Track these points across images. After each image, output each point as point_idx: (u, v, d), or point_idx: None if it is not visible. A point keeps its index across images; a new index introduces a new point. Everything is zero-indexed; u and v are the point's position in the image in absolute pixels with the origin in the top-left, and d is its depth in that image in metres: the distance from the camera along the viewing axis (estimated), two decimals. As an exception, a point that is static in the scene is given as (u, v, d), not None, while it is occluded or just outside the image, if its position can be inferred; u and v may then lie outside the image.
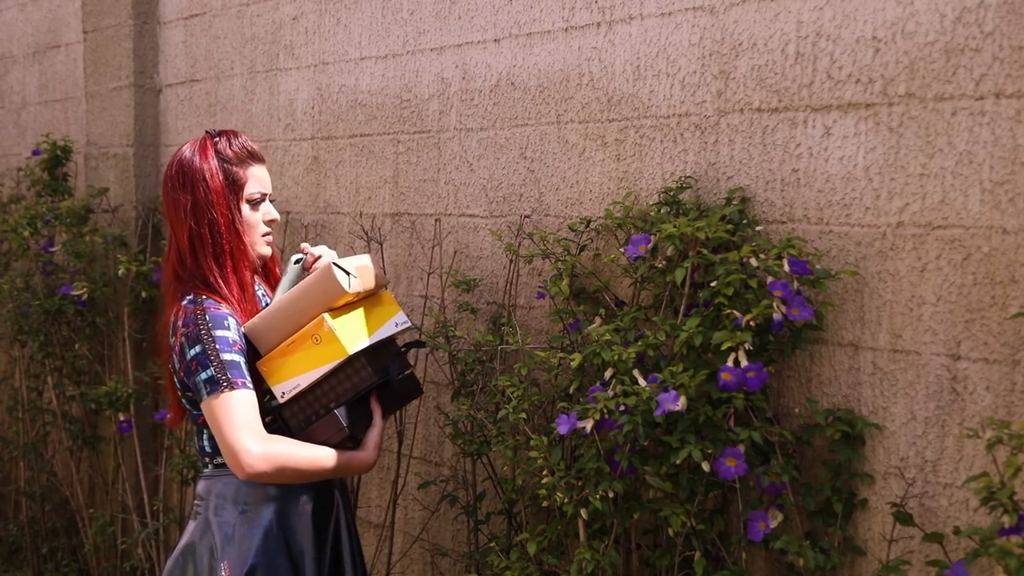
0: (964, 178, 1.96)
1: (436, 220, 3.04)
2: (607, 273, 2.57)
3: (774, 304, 2.09)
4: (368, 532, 3.30)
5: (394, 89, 3.16)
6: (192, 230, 2.17)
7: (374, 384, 2.20)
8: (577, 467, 2.33)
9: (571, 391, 2.42)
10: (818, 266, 2.15)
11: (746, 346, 2.12)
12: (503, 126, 2.84)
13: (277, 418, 2.19)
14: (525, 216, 2.78)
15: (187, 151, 2.21)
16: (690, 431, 2.17)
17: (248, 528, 2.16)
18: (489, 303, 2.89)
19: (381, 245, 3.14)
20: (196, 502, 2.23)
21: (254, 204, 2.22)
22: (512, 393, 2.45)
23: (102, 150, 4.36)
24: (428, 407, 3.11)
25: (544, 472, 2.37)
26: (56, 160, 4.51)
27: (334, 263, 2.16)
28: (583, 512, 2.28)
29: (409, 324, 2.38)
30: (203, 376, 2.06)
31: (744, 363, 2.11)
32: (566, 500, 2.30)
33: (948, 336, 2.00)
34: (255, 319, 2.17)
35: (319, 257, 2.30)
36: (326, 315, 2.13)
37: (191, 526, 2.22)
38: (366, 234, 3.16)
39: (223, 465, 2.17)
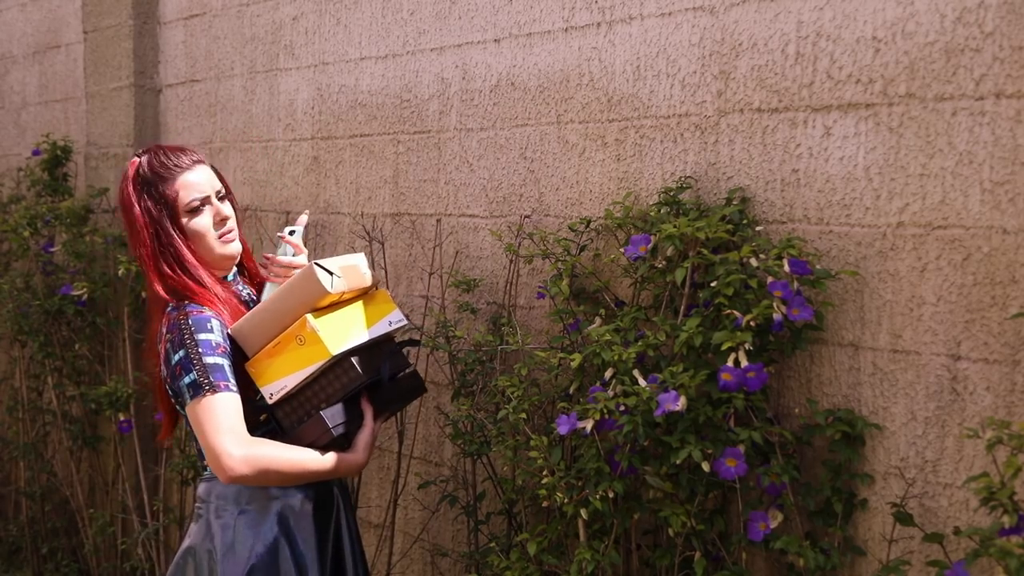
0: (964, 178, 1.96)
1: (436, 220, 3.04)
2: (607, 273, 2.57)
3: (774, 304, 2.09)
4: (368, 532, 3.30)
5: (394, 89, 3.16)
6: (144, 250, 2.20)
7: (362, 384, 2.19)
8: (577, 467, 2.33)
9: (571, 391, 2.42)
10: (818, 266, 2.15)
11: (746, 346, 2.12)
12: (503, 126, 2.84)
13: (271, 419, 2.19)
14: (525, 216, 2.78)
15: (121, 179, 2.26)
16: (690, 431, 2.17)
17: (249, 530, 2.16)
18: (489, 303, 2.89)
19: (382, 245, 3.14)
20: (197, 505, 2.23)
21: (195, 211, 2.19)
22: (512, 393, 2.45)
23: (102, 150, 4.36)
24: (428, 407, 3.11)
25: (544, 472, 2.37)
26: (56, 160, 4.51)
27: (316, 263, 2.14)
28: (583, 512, 2.28)
29: (405, 323, 2.36)
30: (186, 380, 2.06)
31: (744, 363, 2.11)
32: (566, 500, 2.30)
33: (948, 336, 2.00)
34: (240, 321, 2.16)
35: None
36: (309, 316, 2.12)
37: (192, 529, 2.22)
38: (367, 234, 3.16)
39: None
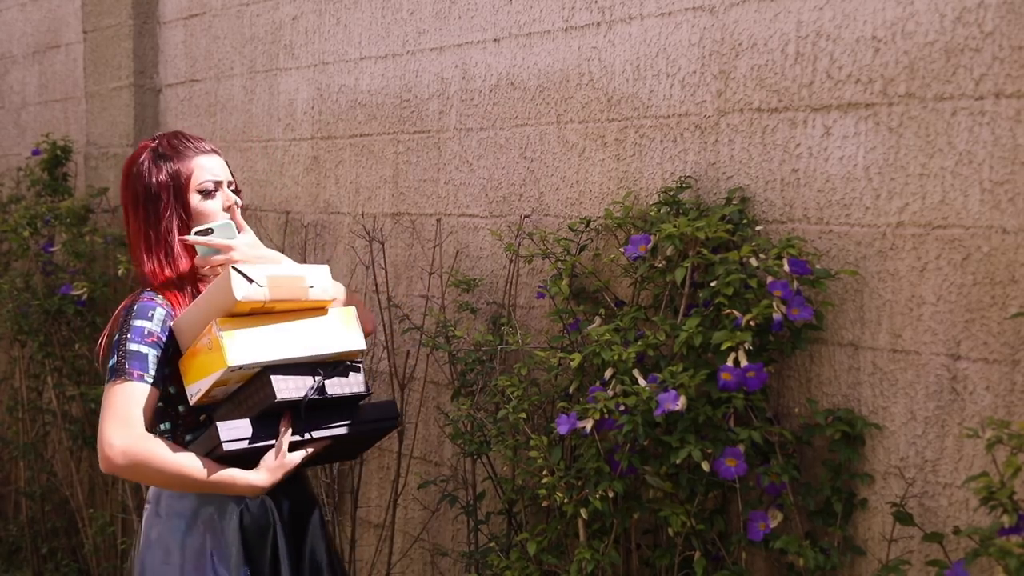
0: (964, 178, 1.96)
1: (436, 220, 3.04)
2: (607, 273, 2.57)
3: (774, 304, 2.09)
4: (368, 532, 3.30)
5: (394, 89, 3.16)
6: (136, 228, 2.18)
7: (275, 404, 2.03)
8: (577, 467, 2.33)
9: (571, 391, 2.42)
10: (818, 266, 2.15)
11: (746, 346, 2.12)
12: (503, 126, 2.84)
13: (209, 420, 2.13)
14: (525, 216, 2.78)
15: (130, 154, 2.23)
16: (690, 431, 2.17)
17: (175, 533, 2.14)
18: (489, 303, 2.90)
19: (382, 245, 3.14)
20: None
21: (207, 194, 2.18)
22: (512, 393, 2.45)
23: (102, 150, 4.36)
24: (428, 407, 3.11)
25: (544, 472, 2.37)
26: (56, 160, 4.51)
27: (235, 268, 2.03)
28: (583, 512, 2.28)
29: (354, 348, 2.14)
30: (110, 363, 2.06)
31: (744, 363, 2.11)
32: (566, 500, 2.30)
33: (948, 336, 2.00)
34: (178, 315, 2.11)
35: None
36: (215, 321, 2.02)
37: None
38: (367, 234, 3.16)
39: None
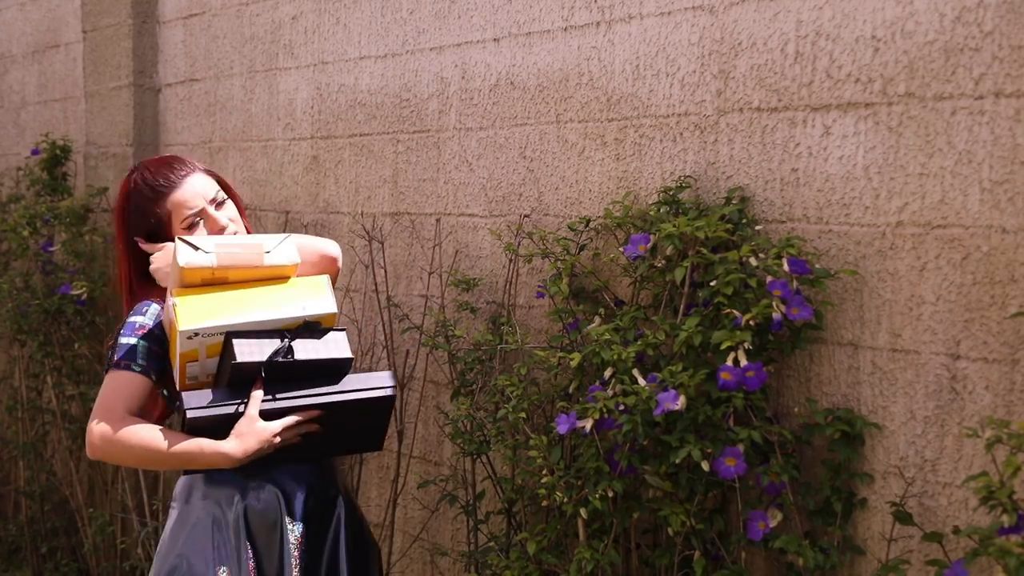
0: (963, 177, 1.96)
1: (436, 220, 3.04)
2: (607, 273, 2.57)
3: (773, 303, 2.09)
4: (368, 532, 3.30)
5: (393, 89, 3.16)
6: (129, 266, 2.25)
7: (235, 369, 2.02)
8: (577, 466, 2.33)
9: (571, 390, 2.42)
10: (817, 265, 2.15)
11: (745, 345, 2.12)
12: (502, 126, 2.84)
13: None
14: (525, 216, 2.78)
15: (119, 193, 2.27)
16: (690, 430, 2.17)
17: (179, 525, 2.16)
18: (489, 302, 2.90)
19: (382, 244, 3.14)
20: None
21: (192, 227, 2.18)
22: (512, 392, 2.45)
23: (101, 149, 4.36)
24: (428, 407, 3.11)
25: (544, 472, 2.37)
26: (55, 160, 4.51)
27: (181, 238, 2.05)
28: (583, 511, 2.28)
29: (323, 312, 2.08)
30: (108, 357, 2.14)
31: (743, 362, 2.11)
32: (566, 500, 2.30)
33: (947, 335, 2.00)
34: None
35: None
36: (170, 292, 2.05)
37: None
38: (367, 233, 3.16)
39: None
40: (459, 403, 2.68)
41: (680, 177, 2.40)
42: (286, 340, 2.05)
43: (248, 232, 2.25)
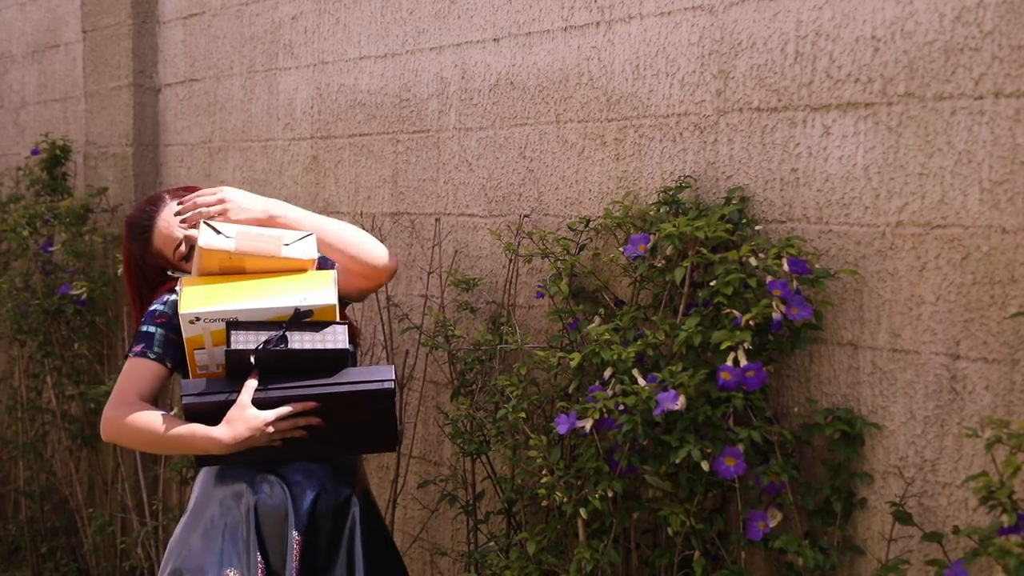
0: (963, 177, 1.96)
1: (435, 219, 3.04)
2: (606, 273, 2.57)
3: (773, 303, 2.09)
4: (367, 531, 3.30)
5: (393, 88, 3.16)
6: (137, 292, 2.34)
7: (228, 356, 2.06)
8: (576, 466, 2.33)
9: (570, 390, 2.42)
10: (817, 265, 2.15)
11: (745, 345, 2.12)
12: (502, 126, 2.84)
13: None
14: (524, 216, 2.78)
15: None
16: (689, 430, 2.17)
17: (194, 517, 2.22)
18: (488, 302, 2.90)
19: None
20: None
21: (188, 254, 2.24)
22: (511, 392, 2.45)
23: (101, 149, 4.36)
24: (428, 407, 3.11)
25: (543, 472, 2.37)
26: (55, 160, 4.51)
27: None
28: (582, 511, 2.28)
29: (322, 303, 2.08)
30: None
31: (743, 362, 2.11)
32: (565, 500, 2.30)
33: (947, 335, 2.00)
34: None
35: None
36: (181, 279, 2.13)
37: None
38: (365, 233, 3.16)
39: None
40: (459, 403, 2.68)
41: (680, 177, 2.40)
42: (279, 331, 2.07)
43: None
